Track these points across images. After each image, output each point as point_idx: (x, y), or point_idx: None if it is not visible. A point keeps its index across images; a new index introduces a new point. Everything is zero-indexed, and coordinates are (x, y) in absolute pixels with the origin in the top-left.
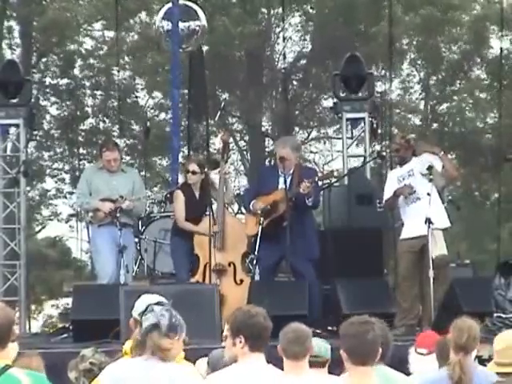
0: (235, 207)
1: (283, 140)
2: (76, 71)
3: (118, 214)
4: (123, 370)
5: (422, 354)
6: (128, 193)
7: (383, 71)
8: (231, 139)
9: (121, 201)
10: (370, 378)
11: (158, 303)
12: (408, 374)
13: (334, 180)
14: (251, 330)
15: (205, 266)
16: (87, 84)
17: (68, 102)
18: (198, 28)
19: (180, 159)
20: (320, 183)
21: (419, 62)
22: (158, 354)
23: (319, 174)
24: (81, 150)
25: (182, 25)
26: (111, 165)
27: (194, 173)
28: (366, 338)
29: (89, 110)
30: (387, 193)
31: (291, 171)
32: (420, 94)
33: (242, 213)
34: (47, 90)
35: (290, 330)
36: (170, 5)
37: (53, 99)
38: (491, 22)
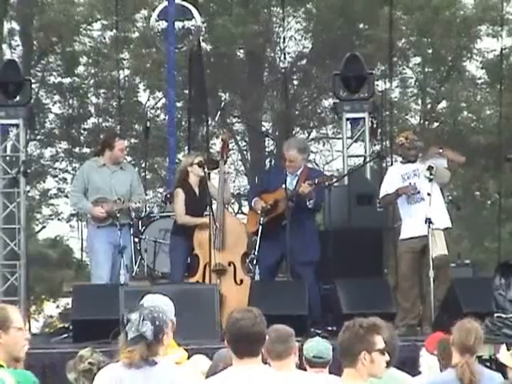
0: (235, 207)
1: (290, 142)
2: (78, 70)
3: (118, 215)
4: (110, 375)
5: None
6: (126, 192)
7: (383, 71)
8: (231, 139)
9: (119, 203)
10: (355, 380)
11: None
12: (414, 374)
13: (333, 181)
14: (233, 335)
15: (205, 266)
16: (90, 83)
17: (71, 101)
18: (192, 28)
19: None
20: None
21: (416, 61)
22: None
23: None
24: (83, 150)
25: (176, 24)
26: (122, 154)
27: (200, 164)
28: (338, 341)
29: (91, 109)
30: (385, 187)
31: (298, 172)
32: (416, 93)
33: (242, 213)
34: (50, 89)
35: (271, 330)
36: (165, 4)
37: (55, 98)
38: (483, 21)
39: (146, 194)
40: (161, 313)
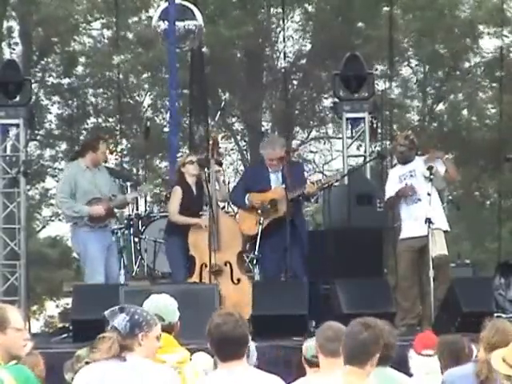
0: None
1: (273, 141)
2: (77, 70)
3: (115, 211)
4: (89, 374)
5: (429, 355)
6: (109, 191)
7: (382, 70)
8: (232, 139)
9: (114, 199)
10: (360, 380)
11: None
12: (411, 374)
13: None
14: (215, 339)
15: (201, 267)
16: (90, 83)
17: (70, 101)
18: (194, 28)
19: None
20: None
21: (416, 61)
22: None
23: (318, 174)
24: None
25: (178, 24)
26: (103, 158)
27: (191, 162)
28: (355, 339)
29: (91, 108)
30: (389, 192)
31: (280, 167)
32: (417, 93)
33: None
34: (49, 90)
35: (326, 327)
36: (166, 4)
37: (55, 98)
38: (482, 21)
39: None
40: (145, 312)
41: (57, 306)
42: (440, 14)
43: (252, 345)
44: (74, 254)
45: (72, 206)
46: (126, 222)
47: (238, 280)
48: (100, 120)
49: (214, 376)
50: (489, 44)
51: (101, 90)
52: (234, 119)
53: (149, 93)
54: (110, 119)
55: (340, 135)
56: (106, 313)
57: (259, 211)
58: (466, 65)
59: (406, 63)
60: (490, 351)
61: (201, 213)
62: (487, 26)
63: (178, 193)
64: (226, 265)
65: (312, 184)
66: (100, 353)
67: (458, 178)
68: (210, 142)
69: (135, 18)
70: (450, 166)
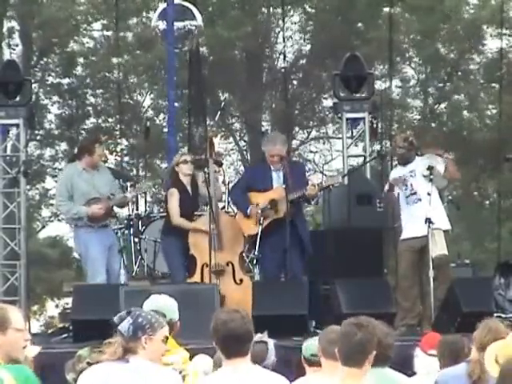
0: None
1: (274, 137)
2: (77, 70)
3: (113, 211)
4: (93, 375)
5: (434, 355)
6: (110, 189)
7: (383, 70)
8: (232, 139)
9: (113, 198)
10: (358, 380)
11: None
12: (410, 374)
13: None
14: (222, 336)
15: (202, 267)
16: (90, 83)
17: (70, 101)
18: (193, 28)
19: None
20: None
21: (417, 60)
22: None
23: (318, 174)
24: None
25: (177, 24)
26: (100, 159)
27: (185, 162)
28: (351, 340)
29: (90, 109)
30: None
31: (281, 166)
32: (418, 93)
33: None
34: (49, 89)
35: (329, 331)
36: (165, 4)
37: (54, 98)
38: (485, 22)
39: (146, 194)
40: (150, 315)
41: (56, 306)
42: (444, 16)
43: (271, 343)
44: (74, 254)
45: (70, 208)
46: (125, 222)
47: (241, 280)
48: (100, 120)
49: (218, 373)
50: (491, 44)
51: (100, 90)
52: (233, 119)
53: (149, 93)
54: (110, 119)
55: (340, 135)
56: (115, 318)
57: (259, 211)
58: (469, 65)
59: (407, 63)
60: (483, 351)
61: (198, 213)
62: (490, 26)
63: (175, 194)
64: (228, 265)
65: (313, 186)
66: (105, 356)
67: (457, 177)
68: (208, 142)
69: (135, 20)
70: (450, 164)
